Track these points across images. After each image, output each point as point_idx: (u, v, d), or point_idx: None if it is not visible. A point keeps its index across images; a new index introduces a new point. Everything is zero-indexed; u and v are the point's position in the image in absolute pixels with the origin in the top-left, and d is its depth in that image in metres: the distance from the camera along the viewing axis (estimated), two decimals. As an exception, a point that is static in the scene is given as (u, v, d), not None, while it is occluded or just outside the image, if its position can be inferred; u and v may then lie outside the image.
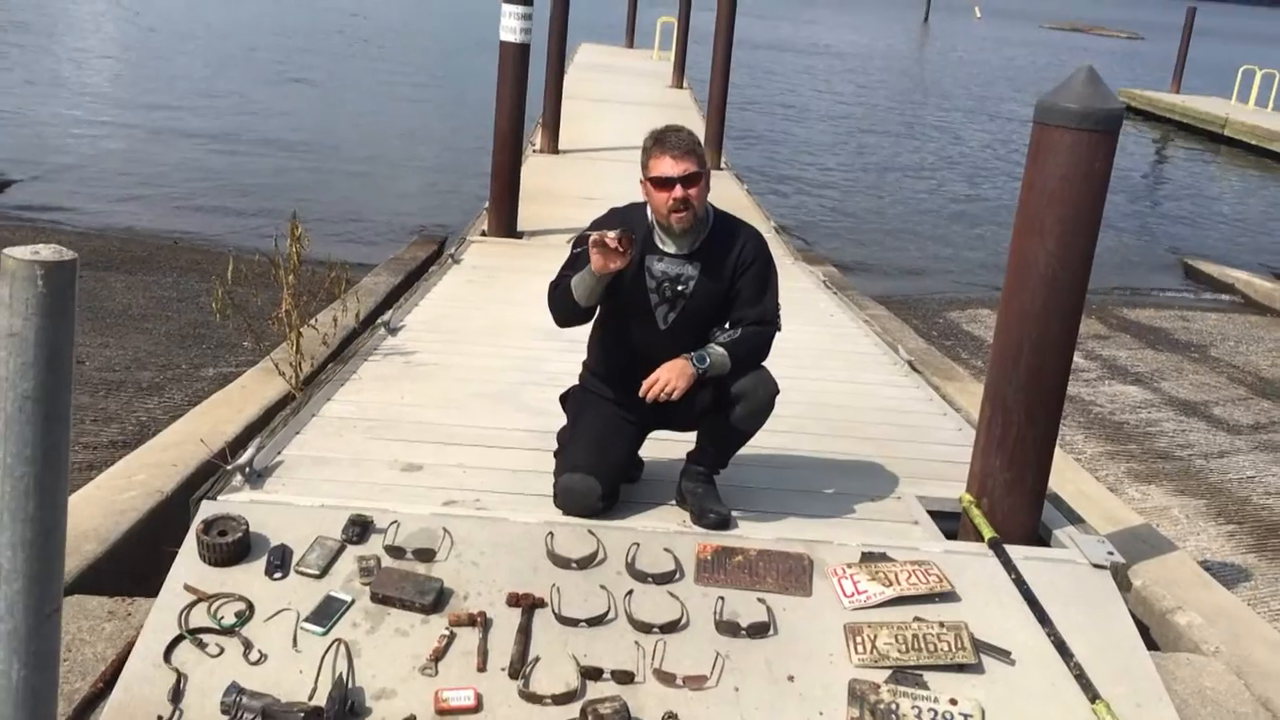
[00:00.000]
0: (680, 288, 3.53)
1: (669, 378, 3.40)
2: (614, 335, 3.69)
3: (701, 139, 11.49)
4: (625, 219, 3.59)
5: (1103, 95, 3.39)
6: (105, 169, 12.53)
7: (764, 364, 3.60)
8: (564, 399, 3.93)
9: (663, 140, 3.44)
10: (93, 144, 13.66)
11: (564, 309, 3.56)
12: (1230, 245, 14.77)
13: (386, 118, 17.75)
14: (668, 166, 3.40)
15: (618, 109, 15.99)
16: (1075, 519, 4.01)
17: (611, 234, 3.31)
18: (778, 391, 3.60)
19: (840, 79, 30.44)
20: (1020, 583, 3.45)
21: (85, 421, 5.65)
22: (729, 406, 3.56)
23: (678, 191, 3.40)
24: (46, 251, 1.66)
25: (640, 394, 3.44)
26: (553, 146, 12.23)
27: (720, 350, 3.48)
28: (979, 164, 19.01)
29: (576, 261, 3.52)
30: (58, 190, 11.46)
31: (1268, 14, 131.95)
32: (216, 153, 13.81)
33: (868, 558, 3.51)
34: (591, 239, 3.34)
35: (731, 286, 3.56)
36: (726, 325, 3.58)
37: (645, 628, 3.15)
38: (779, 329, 3.62)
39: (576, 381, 3.90)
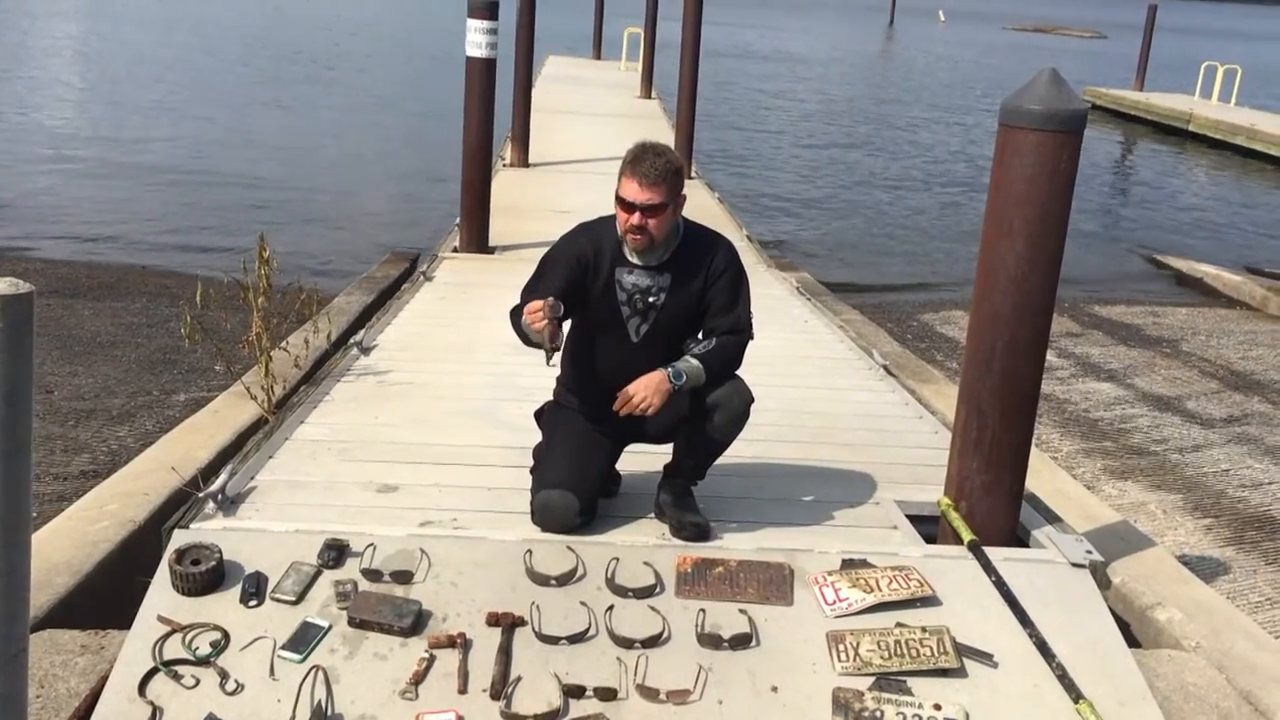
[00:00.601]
0: (651, 299, 3.52)
1: (645, 394, 3.38)
2: (586, 349, 3.67)
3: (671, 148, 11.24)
4: (594, 234, 3.58)
5: (1066, 96, 3.41)
6: (70, 197, 12.42)
7: (738, 373, 3.59)
8: (539, 414, 3.91)
9: (638, 163, 3.38)
10: (56, 173, 13.53)
11: (521, 338, 3.51)
12: (1198, 240, 14.90)
13: (351, 137, 17.67)
14: (633, 191, 3.37)
15: (587, 121, 16.00)
16: (1053, 518, 4.02)
17: (539, 307, 3.25)
18: (753, 400, 3.59)
19: (806, 86, 30.58)
20: (1000, 584, 3.45)
21: (55, 452, 5.58)
22: (704, 417, 3.55)
23: (636, 218, 3.39)
24: (2, 285, 1.62)
25: (615, 408, 3.43)
26: (522, 160, 12.21)
27: (695, 363, 3.46)
28: (948, 168, 19.11)
29: (538, 283, 3.51)
30: (21, 218, 11.34)
31: (1229, 10, 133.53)
32: (180, 179, 13.68)
33: (848, 564, 3.50)
34: (526, 308, 3.29)
35: (703, 297, 3.55)
36: (699, 336, 3.57)
37: (627, 643, 3.13)
38: (752, 337, 3.61)
39: (551, 397, 3.88)
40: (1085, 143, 3.52)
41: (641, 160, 3.38)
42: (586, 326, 3.62)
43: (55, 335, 7.40)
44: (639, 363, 3.47)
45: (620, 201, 3.42)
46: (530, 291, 3.53)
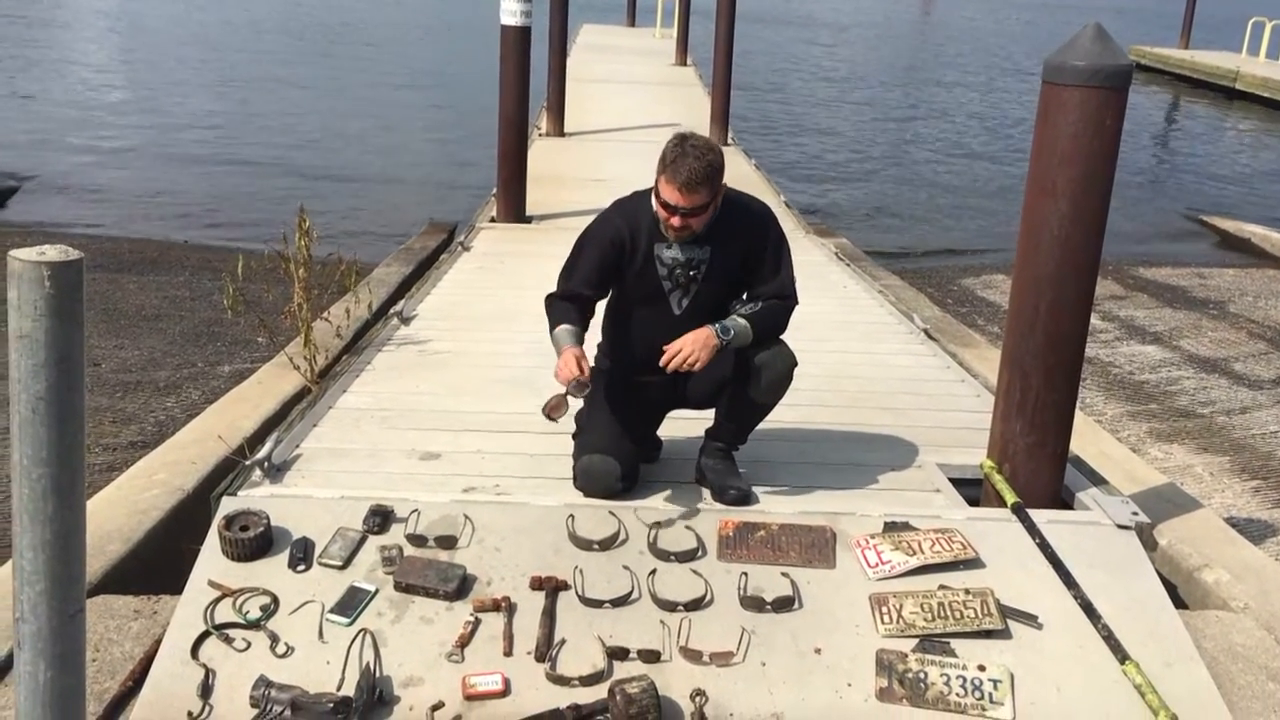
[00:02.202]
0: (693, 272, 3.49)
1: (693, 349, 3.36)
2: (628, 322, 3.66)
3: (707, 116, 11.38)
4: (629, 212, 3.53)
5: (1111, 51, 3.35)
6: (109, 174, 12.54)
7: (781, 337, 3.58)
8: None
9: (678, 167, 3.26)
10: (95, 150, 13.67)
11: (552, 338, 3.55)
12: (1246, 200, 14.64)
13: (387, 111, 17.70)
14: (675, 196, 3.29)
15: (622, 89, 15.93)
16: (1098, 481, 3.99)
17: (575, 380, 3.33)
18: (796, 363, 3.57)
19: (843, 51, 30.25)
20: (1044, 546, 3.43)
21: (104, 423, 5.67)
22: (748, 380, 3.54)
23: (678, 220, 3.34)
24: (53, 252, 1.65)
25: (661, 364, 3.41)
26: (558, 129, 12.19)
27: (743, 322, 3.45)
28: (988, 132, 18.86)
29: (574, 267, 3.52)
30: (64, 196, 11.49)
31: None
32: (218, 154, 13.78)
33: (890, 528, 3.49)
34: (564, 377, 3.35)
35: (745, 266, 3.53)
36: (744, 297, 3.56)
37: (670, 606, 3.14)
38: (797, 303, 3.59)
39: (592, 364, 3.89)
40: (1129, 102, 3.46)
41: (681, 164, 3.26)
42: (627, 301, 3.61)
43: (101, 309, 7.50)
44: (682, 333, 3.45)
45: (661, 203, 3.35)
46: (567, 276, 3.54)
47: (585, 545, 3.36)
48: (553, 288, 3.62)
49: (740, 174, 10.36)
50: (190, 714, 2.76)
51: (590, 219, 3.65)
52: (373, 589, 3.14)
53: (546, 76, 12.17)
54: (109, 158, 13.30)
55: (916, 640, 3.08)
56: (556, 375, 3.40)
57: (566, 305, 3.56)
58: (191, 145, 14.25)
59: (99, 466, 5.00)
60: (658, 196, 3.36)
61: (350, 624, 3.03)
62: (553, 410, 3.37)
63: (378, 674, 2.88)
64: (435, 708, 2.75)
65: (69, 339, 1.66)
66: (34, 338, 1.63)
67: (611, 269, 3.51)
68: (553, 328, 3.52)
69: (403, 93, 19.59)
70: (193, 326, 7.39)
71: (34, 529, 1.69)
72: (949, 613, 3.13)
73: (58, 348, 1.65)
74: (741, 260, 3.51)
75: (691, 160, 3.26)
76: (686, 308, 3.54)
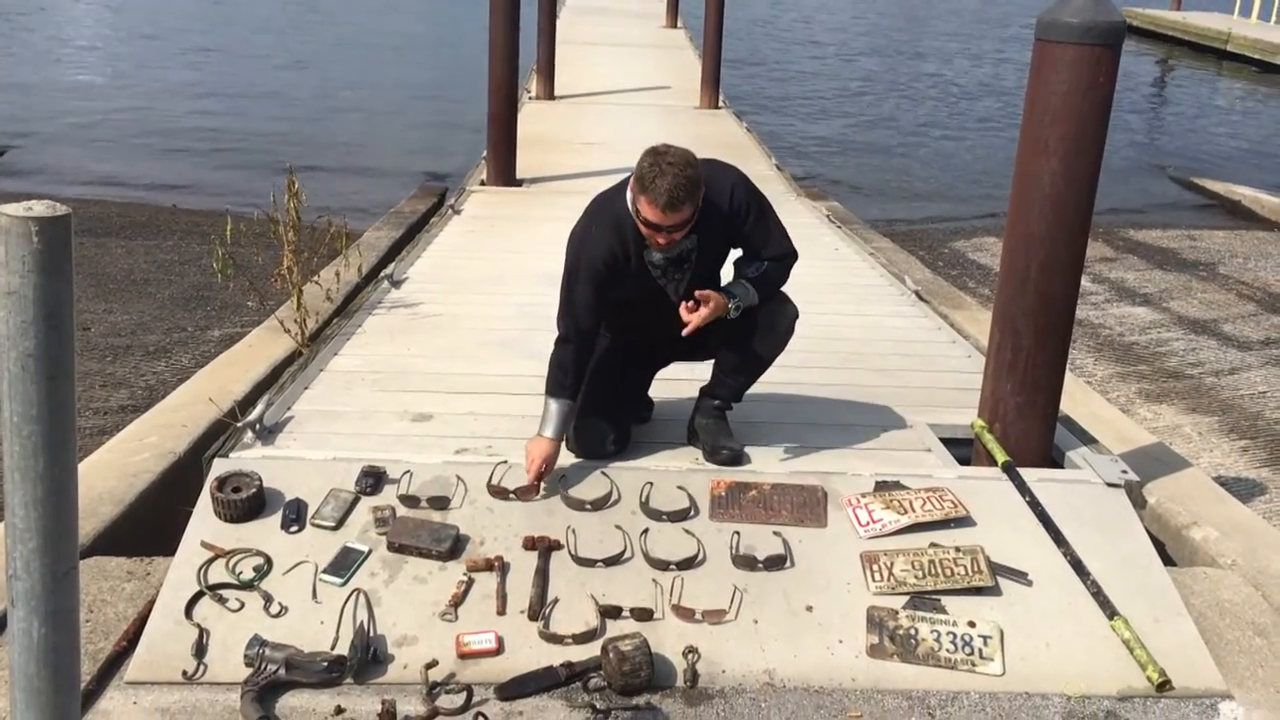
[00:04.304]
0: (685, 265, 3.45)
1: (709, 315, 3.35)
2: (630, 315, 3.61)
3: (698, 78, 11.28)
4: (611, 223, 3.38)
5: (1104, 8, 3.33)
6: (97, 140, 12.43)
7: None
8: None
9: (656, 189, 3.12)
10: (83, 117, 13.53)
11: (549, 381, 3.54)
12: (1237, 162, 14.62)
13: (375, 75, 17.52)
14: (660, 217, 3.17)
15: (613, 52, 15.82)
16: (1088, 440, 4.01)
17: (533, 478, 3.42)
18: (798, 315, 3.57)
19: (834, 17, 30.01)
20: (1035, 505, 3.45)
21: (94, 387, 5.65)
22: (750, 332, 3.53)
23: (663, 237, 3.25)
24: (40, 207, 1.64)
25: (685, 334, 3.38)
26: (548, 92, 12.11)
27: (749, 287, 3.45)
28: (980, 100, 18.77)
29: (573, 303, 3.44)
30: (51, 161, 11.39)
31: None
32: (205, 121, 13.64)
33: (882, 486, 3.51)
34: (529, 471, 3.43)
35: (732, 237, 3.49)
36: (745, 257, 3.54)
37: (662, 565, 3.16)
38: (797, 257, 3.57)
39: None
40: (1120, 63, 3.44)
41: (660, 184, 3.11)
42: (627, 299, 3.52)
43: (90, 273, 7.46)
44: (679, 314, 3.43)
45: (644, 223, 3.23)
46: (572, 311, 3.44)
47: (578, 506, 3.37)
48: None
49: (732, 137, 10.33)
50: (185, 673, 2.77)
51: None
52: (366, 549, 3.15)
53: (536, 39, 12.07)
54: (95, 123, 13.17)
55: (907, 597, 3.10)
56: (525, 459, 3.43)
57: (578, 363, 3.47)
58: (177, 110, 14.12)
59: (90, 430, 4.99)
60: (638, 215, 3.24)
61: (344, 584, 3.04)
62: (522, 494, 3.41)
63: (371, 633, 2.90)
64: (429, 666, 2.76)
65: (57, 295, 1.65)
66: (22, 294, 1.62)
67: (607, 287, 3.42)
68: (553, 391, 3.45)
69: (391, 56, 19.42)
70: (182, 291, 7.35)
71: (25, 486, 1.69)
72: (939, 570, 3.15)
73: (46, 304, 1.63)
74: (729, 237, 3.48)
75: (670, 179, 3.11)
76: (684, 291, 3.49)
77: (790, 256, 3.54)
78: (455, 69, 17.32)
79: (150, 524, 3.58)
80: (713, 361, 3.73)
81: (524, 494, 3.40)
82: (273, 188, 5.30)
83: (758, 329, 3.53)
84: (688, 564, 3.17)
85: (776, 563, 3.19)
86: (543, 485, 3.43)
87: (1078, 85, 3.35)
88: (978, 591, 3.12)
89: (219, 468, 3.41)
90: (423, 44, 21.00)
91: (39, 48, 18.54)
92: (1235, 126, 17.39)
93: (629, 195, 3.29)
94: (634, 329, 3.67)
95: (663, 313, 3.47)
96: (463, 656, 2.86)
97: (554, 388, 3.47)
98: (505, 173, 8.25)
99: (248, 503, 3.23)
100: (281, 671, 2.74)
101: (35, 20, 20.95)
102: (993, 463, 3.68)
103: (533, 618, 2.98)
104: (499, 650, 2.88)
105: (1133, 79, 20.68)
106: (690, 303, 3.36)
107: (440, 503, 3.33)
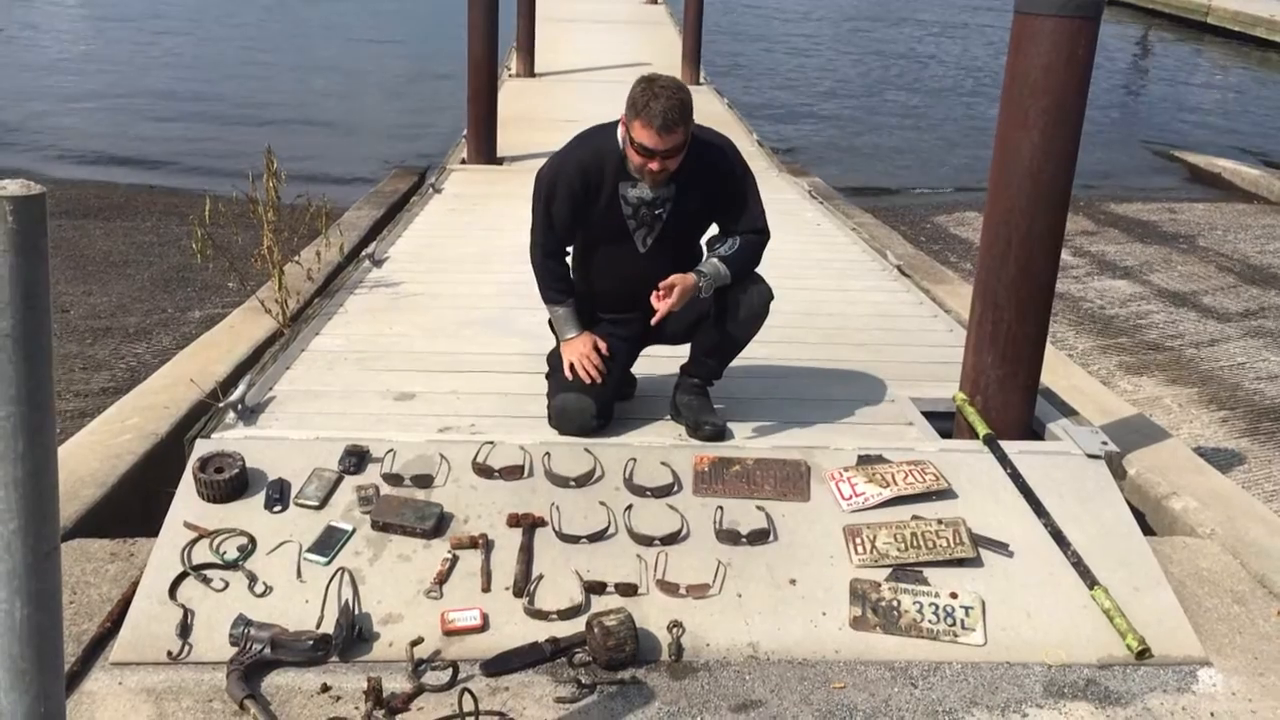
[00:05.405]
0: (658, 210, 3.47)
1: (679, 300, 3.35)
2: (594, 260, 3.64)
3: (678, 55, 11.25)
4: (593, 147, 3.46)
5: (1083, -20, 3.33)
6: (73, 120, 12.29)
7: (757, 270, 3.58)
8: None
9: (651, 109, 3.17)
10: (57, 96, 13.38)
11: (541, 291, 3.69)
12: (1216, 135, 14.66)
13: (354, 55, 17.38)
14: (655, 140, 3.21)
15: (593, 28, 15.74)
16: (1068, 412, 4.03)
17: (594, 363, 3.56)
18: (772, 296, 3.58)
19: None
20: (1016, 477, 3.47)
21: (74, 370, 5.62)
22: (725, 314, 3.54)
23: (657, 164, 3.28)
24: (14, 187, 1.62)
25: (653, 322, 3.40)
26: (528, 70, 12.05)
27: (722, 267, 3.45)
28: (961, 73, 18.76)
29: (548, 226, 3.52)
30: (26, 142, 11.27)
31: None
32: (183, 100, 13.50)
33: (864, 460, 3.53)
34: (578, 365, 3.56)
35: (711, 203, 3.50)
36: (718, 233, 3.54)
37: (646, 540, 3.17)
38: (769, 235, 3.58)
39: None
40: (1100, 37, 3.44)
41: (655, 106, 3.17)
42: (592, 239, 3.58)
43: (68, 255, 7.40)
44: (647, 270, 3.45)
45: (638, 148, 3.26)
46: (548, 226, 3.53)
47: (562, 482, 3.38)
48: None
49: (712, 113, 10.29)
50: (170, 653, 2.78)
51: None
52: (350, 528, 3.15)
53: (515, 16, 12.00)
54: (71, 104, 13.03)
55: (890, 570, 3.12)
56: (572, 366, 3.49)
57: (559, 270, 3.56)
58: (154, 91, 13.97)
59: (71, 413, 4.97)
60: (632, 143, 3.28)
61: (328, 563, 3.05)
62: (508, 474, 3.41)
63: (356, 611, 2.90)
64: (415, 643, 2.77)
65: (34, 275, 1.64)
66: (-2, 274, 1.61)
67: (580, 214, 3.48)
68: (550, 299, 3.53)
69: (370, 34, 19.25)
70: (161, 272, 7.31)
71: (5, 467, 1.68)
72: (922, 543, 3.18)
73: (22, 284, 1.62)
74: (706, 197, 3.49)
75: (664, 101, 3.18)
76: (651, 245, 3.52)
77: (764, 234, 3.55)
78: (435, 47, 17.20)
79: (133, 506, 3.57)
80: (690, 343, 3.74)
81: (509, 474, 3.40)
82: (251, 168, 5.26)
83: (732, 311, 3.54)
84: (672, 539, 3.19)
85: (760, 537, 3.20)
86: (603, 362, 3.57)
87: (1057, 58, 3.35)
88: (959, 563, 3.14)
89: (201, 448, 3.40)
90: (402, 22, 20.83)
91: (10, 24, 18.32)
92: (1215, 99, 17.44)
93: (620, 130, 3.36)
94: (602, 287, 3.66)
95: (627, 265, 3.51)
96: (448, 633, 2.87)
97: (553, 295, 3.63)
98: (486, 151, 8.21)
99: (230, 483, 3.22)
100: (267, 650, 2.74)
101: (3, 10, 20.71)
102: (974, 436, 3.71)
103: (517, 594, 2.99)
104: (484, 627, 2.89)
105: (1114, 51, 20.72)
106: (659, 291, 3.37)
107: (424, 481, 3.33)
